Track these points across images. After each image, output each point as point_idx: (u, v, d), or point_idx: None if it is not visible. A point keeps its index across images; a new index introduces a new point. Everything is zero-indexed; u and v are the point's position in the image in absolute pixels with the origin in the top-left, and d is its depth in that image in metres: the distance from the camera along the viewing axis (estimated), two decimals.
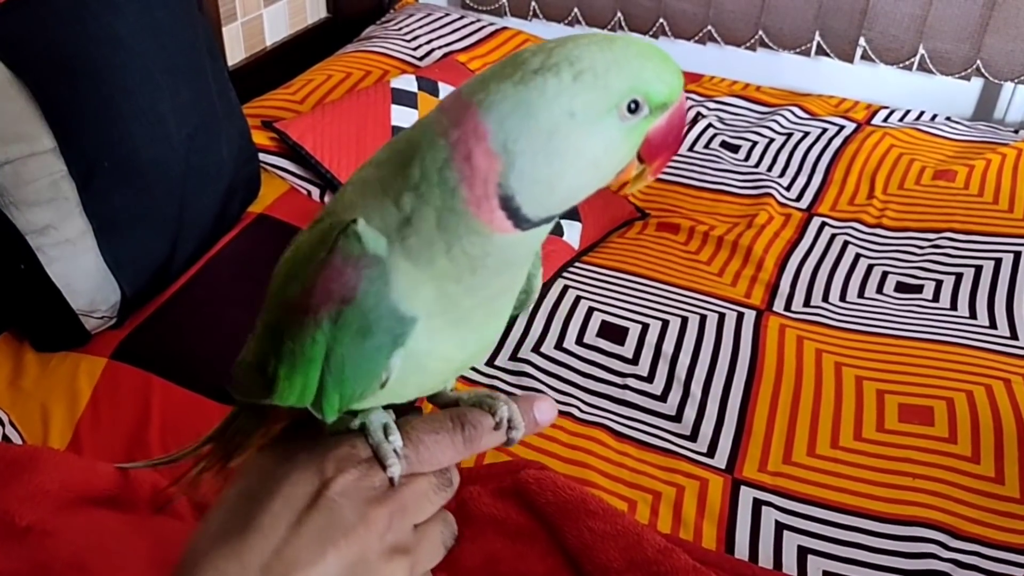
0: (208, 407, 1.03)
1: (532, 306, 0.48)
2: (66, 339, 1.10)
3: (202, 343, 1.12)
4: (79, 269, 1.07)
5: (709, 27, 1.93)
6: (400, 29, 1.73)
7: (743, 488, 1.00)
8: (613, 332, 1.21)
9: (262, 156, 1.37)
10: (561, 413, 1.08)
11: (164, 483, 0.76)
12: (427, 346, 0.38)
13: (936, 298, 1.32)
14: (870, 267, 1.39)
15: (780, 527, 0.95)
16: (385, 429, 0.41)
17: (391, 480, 0.41)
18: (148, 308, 1.15)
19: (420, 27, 1.76)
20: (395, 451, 0.41)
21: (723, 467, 1.02)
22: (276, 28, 1.70)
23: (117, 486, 0.72)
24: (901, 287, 1.35)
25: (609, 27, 2.01)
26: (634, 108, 0.33)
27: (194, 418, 1.03)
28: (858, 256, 1.42)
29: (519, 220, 0.34)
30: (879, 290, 1.34)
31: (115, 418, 1.03)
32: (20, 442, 0.95)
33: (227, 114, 1.28)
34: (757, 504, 0.98)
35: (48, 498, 0.64)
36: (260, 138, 1.38)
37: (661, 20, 1.95)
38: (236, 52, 1.60)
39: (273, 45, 1.69)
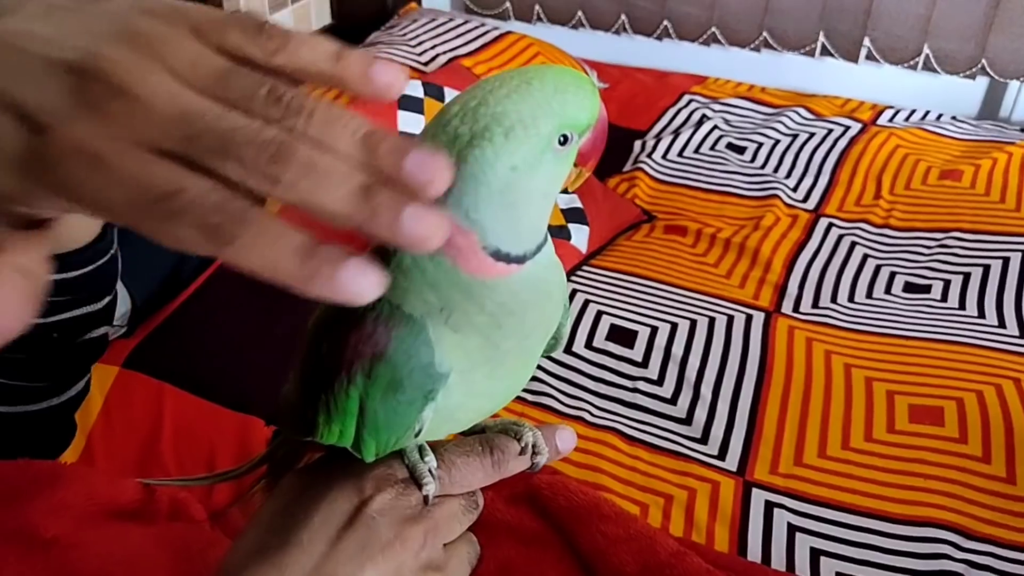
0: (221, 415, 1.04)
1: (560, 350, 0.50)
2: None
3: (214, 350, 1.12)
4: None
5: (713, 28, 1.93)
6: (405, 35, 1.74)
7: (755, 490, 1.00)
8: (622, 335, 1.22)
9: None
10: (572, 418, 1.08)
11: (182, 495, 0.77)
12: (460, 399, 0.40)
13: (944, 298, 1.32)
14: (878, 267, 1.39)
15: (792, 529, 0.95)
16: (420, 451, 0.43)
17: (425, 499, 0.43)
18: (159, 316, 1.16)
19: (425, 32, 1.76)
20: (430, 471, 0.43)
21: (734, 469, 1.03)
22: None
23: (139, 500, 0.72)
24: (909, 287, 1.35)
25: (613, 30, 2.01)
26: (564, 140, 0.36)
27: (207, 426, 1.03)
28: (866, 257, 1.42)
29: (515, 259, 0.37)
30: (887, 290, 1.35)
31: (128, 427, 1.03)
32: None
33: None
34: (769, 506, 0.98)
35: (72, 511, 0.64)
36: None
37: (665, 22, 1.95)
38: None
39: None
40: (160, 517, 0.74)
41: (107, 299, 0.80)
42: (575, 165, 0.39)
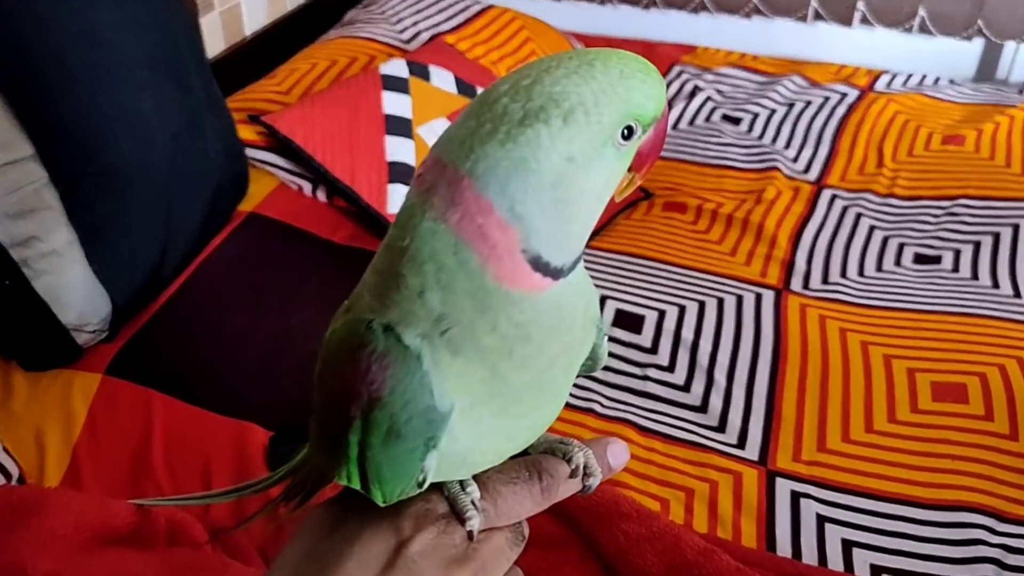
0: (213, 421, 0.98)
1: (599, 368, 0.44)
2: (56, 356, 1.04)
3: (201, 352, 1.06)
4: (67, 281, 1.01)
5: None
6: (384, 12, 1.67)
7: (779, 480, 0.96)
8: (629, 320, 1.17)
9: (249, 152, 1.31)
10: (582, 410, 1.04)
11: (180, 515, 0.72)
12: (468, 443, 0.35)
13: (956, 268, 1.28)
14: (886, 239, 1.35)
15: (821, 520, 0.91)
16: (462, 481, 0.38)
17: (470, 534, 0.38)
18: (141, 318, 1.09)
19: (404, 9, 1.69)
20: (473, 503, 0.38)
21: (756, 459, 0.98)
22: (255, 16, 1.62)
23: (134, 523, 0.67)
24: (919, 258, 1.31)
25: (599, 0, 1.94)
26: (628, 134, 0.32)
27: (199, 434, 0.98)
28: (872, 228, 1.37)
29: (551, 272, 0.32)
30: (897, 262, 1.30)
31: (115, 438, 0.97)
32: (15, 469, 0.89)
33: (212, 109, 1.21)
34: (795, 496, 0.94)
35: (62, 543, 0.59)
36: (246, 133, 1.31)
37: None
38: (215, 43, 1.53)
39: (253, 35, 1.62)
40: (159, 540, 0.68)
41: None
42: (629, 169, 0.34)
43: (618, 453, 0.44)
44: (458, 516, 0.38)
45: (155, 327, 1.09)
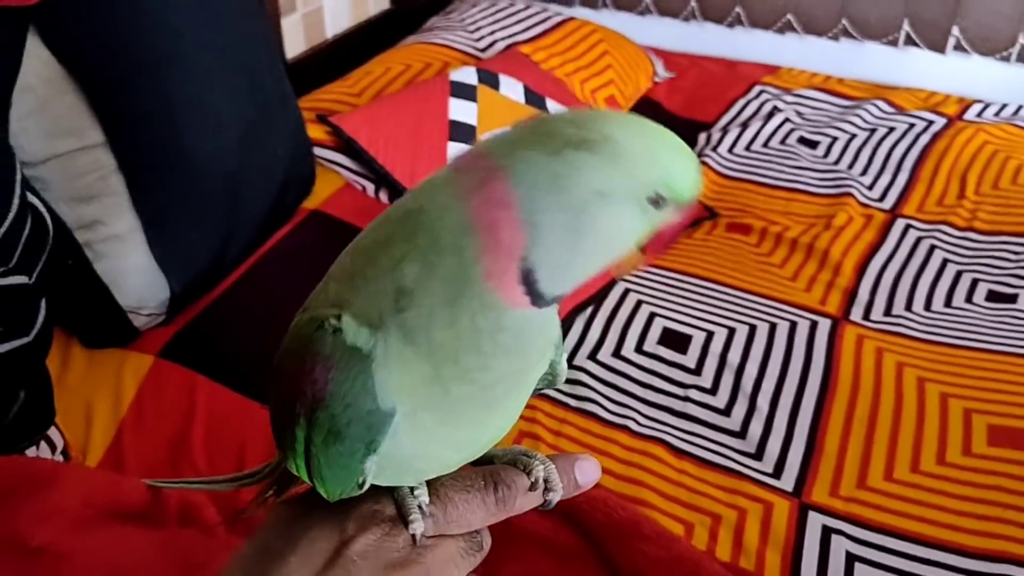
0: (254, 411, 1.01)
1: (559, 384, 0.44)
2: (114, 336, 1.08)
3: (251, 343, 1.09)
4: (127, 265, 1.06)
5: (789, 16, 1.83)
6: (463, 20, 1.69)
7: (811, 513, 0.92)
8: (675, 340, 1.15)
9: (317, 151, 1.34)
10: (616, 426, 1.02)
11: (194, 497, 0.74)
12: (411, 449, 0.35)
13: None
14: (959, 274, 1.29)
15: (851, 558, 0.88)
16: (413, 487, 0.39)
17: (413, 538, 0.38)
18: (198, 305, 1.13)
19: (484, 18, 1.71)
20: (420, 507, 0.38)
21: (790, 490, 0.95)
22: (337, 20, 1.67)
23: (145, 502, 0.69)
24: (993, 296, 1.24)
25: (683, 16, 1.93)
26: (657, 201, 0.33)
27: (239, 421, 1.00)
28: (946, 261, 1.32)
29: (535, 296, 0.32)
30: (968, 299, 1.24)
31: (159, 418, 1.01)
32: (60, 441, 0.94)
33: (282, 108, 1.25)
34: (827, 532, 0.90)
35: (65, 516, 0.61)
36: (316, 132, 1.35)
37: (738, 9, 1.86)
38: (296, 44, 1.58)
39: (334, 37, 1.66)
40: (170, 520, 0.70)
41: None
42: (640, 248, 0.35)
43: (587, 470, 0.43)
44: (403, 520, 0.38)
45: (210, 315, 1.12)
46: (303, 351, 0.34)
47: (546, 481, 0.41)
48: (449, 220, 0.31)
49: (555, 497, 0.42)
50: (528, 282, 0.32)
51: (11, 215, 0.71)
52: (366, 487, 0.37)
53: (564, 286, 0.33)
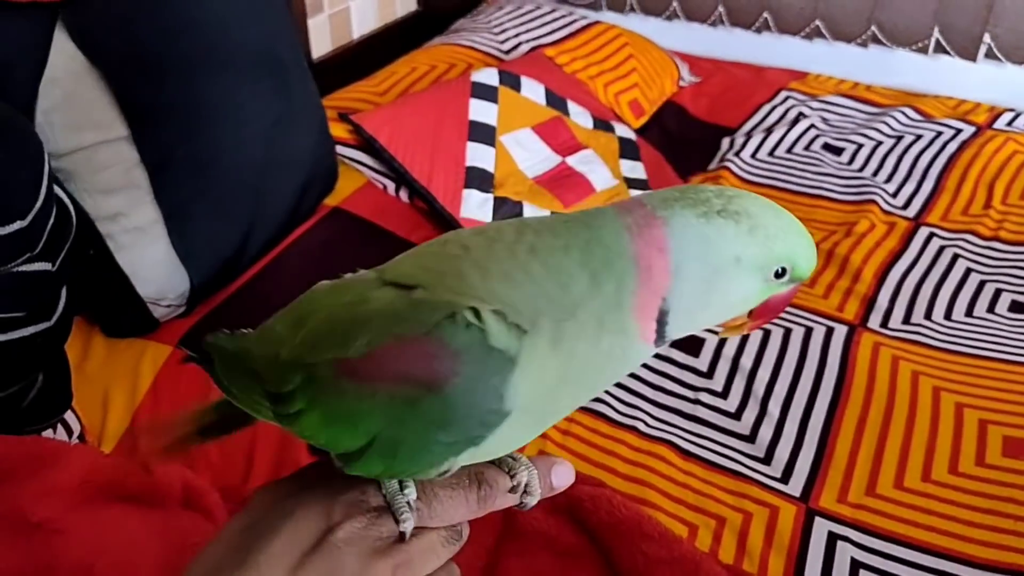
0: None
1: None
2: (135, 325, 1.10)
3: None
4: (148, 257, 1.08)
5: (817, 22, 1.82)
6: (489, 22, 1.70)
7: (817, 519, 0.92)
8: (688, 343, 1.14)
9: (340, 149, 1.36)
10: (625, 427, 1.02)
11: (196, 481, 0.75)
12: (496, 446, 0.36)
13: None
14: (982, 283, 1.27)
15: (856, 565, 0.87)
16: (400, 481, 0.39)
17: (402, 535, 0.39)
18: (218, 298, 1.15)
19: (510, 20, 1.72)
20: (408, 504, 0.39)
21: (797, 495, 0.94)
22: (364, 20, 1.68)
23: (146, 484, 0.70)
24: (1016, 307, 1.23)
25: (710, 21, 1.92)
26: (780, 274, 0.36)
27: None
28: (969, 271, 1.30)
29: (660, 336, 0.35)
30: (991, 309, 1.23)
31: (174, 407, 1.03)
32: (77, 427, 0.96)
33: (306, 106, 1.27)
34: (832, 538, 0.90)
35: (66, 494, 0.62)
36: (338, 130, 1.36)
37: (765, 14, 1.85)
38: (322, 44, 1.59)
39: (360, 38, 1.68)
40: (172, 502, 0.72)
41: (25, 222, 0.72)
42: (748, 314, 0.38)
43: (562, 474, 0.44)
44: (393, 515, 0.39)
45: (229, 307, 1.14)
46: (428, 334, 0.33)
47: (527, 486, 0.42)
48: (620, 247, 0.34)
49: (532, 501, 0.43)
50: (660, 322, 0.35)
51: (38, 204, 0.73)
52: (448, 474, 0.38)
53: (683, 331, 0.36)
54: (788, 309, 1.20)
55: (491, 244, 0.36)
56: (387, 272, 0.37)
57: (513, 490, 0.42)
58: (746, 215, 0.35)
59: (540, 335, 0.34)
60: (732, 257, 0.35)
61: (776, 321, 1.18)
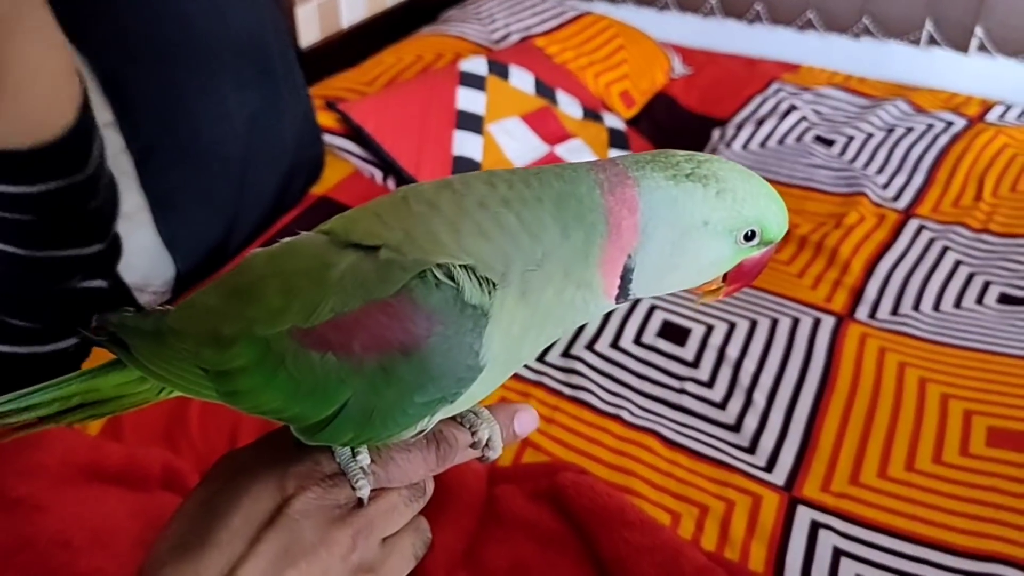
0: None
1: None
2: None
3: None
4: (133, 244, 1.07)
5: (809, 13, 1.81)
6: (479, 12, 1.69)
7: (800, 507, 0.91)
8: (674, 332, 1.14)
9: (328, 138, 1.35)
10: (609, 416, 1.02)
11: (176, 463, 0.75)
12: (464, 400, 0.36)
13: None
14: (971, 275, 1.27)
15: (838, 553, 0.87)
16: (352, 447, 0.39)
17: (359, 501, 0.39)
18: (202, 285, 1.15)
19: (500, 10, 1.71)
20: (363, 469, 0.38)
21: (781, 484, 0.94)
22: (353, 9, 1.68)
23: (125, 465, 0.70)
24: (1005, 299, 1.22)
25: (703, 12, 1.91)
26: (749, 236, 0.37)
27: None
28: (958, 263, 1.30)
29: (620, 290, 0.36)
30: (979, 301, 1.23)
31: None
32: None
33: (292, 95, 1.27)
34: (815, 526, 0.89)
35: (46, 473, 0.62)
36: (326, 119, 1.36)
37: (758, 6, 1.85)
38: (311, 33, 1.59)
39: (350, 27, 1.67)
40: (152, 484, 0.72)
41: (98, 246, 0.76)
42: (723, 279, 0.39)
43: (525, 421, 0.44)
44: (349, 483, 0.39)
45: None
46: (399, 296, 0.33)
47: (488, 439, 0.42)
48: (592, 201, 0.35)
49: (493, 455, 0.42)
50: (623, 278, 0.35)
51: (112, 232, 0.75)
52: (422, 434, 0.38)
53: (650, 291, 0.37)
54: (776, 300, 1.20)
55: (460, 199, 0.35)
56: (348, 232, 0.36)
57: (474, 446, 0.42)
58: (715, 179, 0.35)
59: (509, 287, 0.34)
60: (699, 220, 0.35)
61: (763, 312, 1.18)
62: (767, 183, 0.37)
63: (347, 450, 0.39)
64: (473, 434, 0.42)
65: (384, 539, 0.40)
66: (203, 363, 0.37)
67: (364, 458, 0.39)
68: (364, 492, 0.38)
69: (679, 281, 0.37)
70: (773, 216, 0.37)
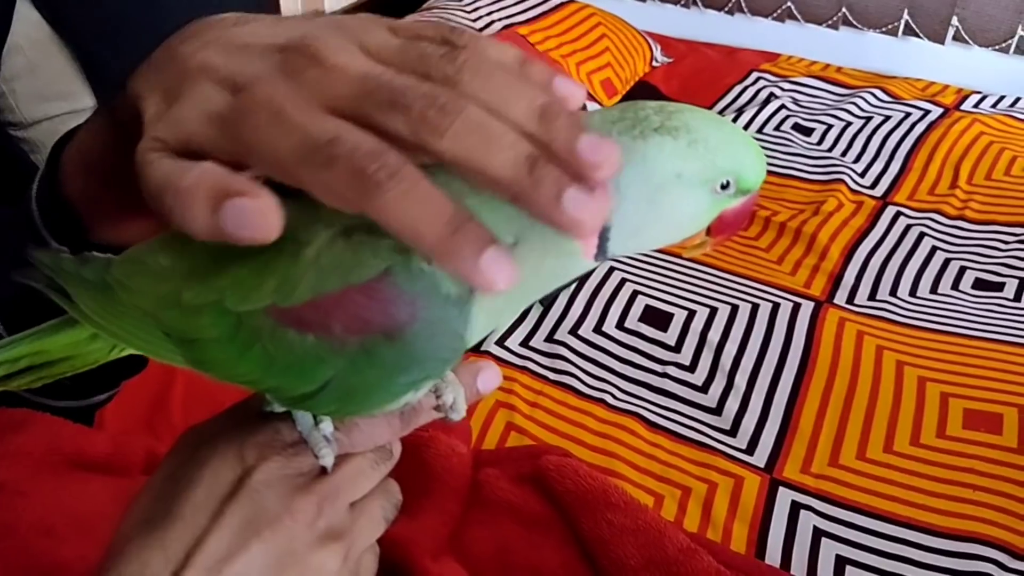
0: None
1: None
2: None
3: None
4: None
5: (788, 3, 1.83)
6: (462, 0, 1.69)
7: (781, 489, 0.93)
8: (657, 317, 1.15)
9: None
10: (593, 399, 1.03)
11: (160, 449, 0.75)
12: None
13: (1018, 298, 1.21)
14: (947, 261, 1.29)
15: (818, 533, 0.88)
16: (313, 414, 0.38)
17: (323, 469, 0.38)
18: None
19: None
20: (325, 437, 0.38)
21: (762, 466, 0.96)
22: None
23: (109, 452, 0.70)
24: (980, 284, 1.24)
25: (683, 3, 1.92)
26: (725, 186, 0.36)
27: (219, 386, 1.01)
28: (935, 249, 1.32)
29: (600, 251, 0.35)
30: (955, 286, 1.25)
31: (140, 377, 1.01)
32: None
33: None
34: (795, 507, 0.91)
35: (29, 459, 0.62)
36: None
37: None
38: None
39: (331, 14, 1.67)
40: (135, 470, 0.71)
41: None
42: (707, 231, 0.38)
43: (488, 378, 0.43)
44: (312, 452, 0.38)
45: None
46: (380, 280, 0.32)
47: (453, 401, 0.41)
48: None
49: (457, 417, 0.42)
50: (601, 237, 0.34)
51: None
52: (408, 407, 0.37)
53: (631, 249, 0.36)
54: (756, 285, 1.22)
55: (430, 174, 0.35)
56: (318, 206, 0.33)
57: (438, 408, 0.41)
58: (685, 130, 0.34)
59: None
60: (672, 173, 0.34)
61: (744, 296, 1.20)
62: (742, 130, 0.37)
63: (309, 418, 0.38)
64: (437, 397, 0.41)
65: (352, 504, 0.40)
66: (165, 327, 0.35)
67: (327, 425, 0.38)
68: (328, 460, 0.38)
69: (658, 236, 0.36)
70: (749, 164, 0.36)
